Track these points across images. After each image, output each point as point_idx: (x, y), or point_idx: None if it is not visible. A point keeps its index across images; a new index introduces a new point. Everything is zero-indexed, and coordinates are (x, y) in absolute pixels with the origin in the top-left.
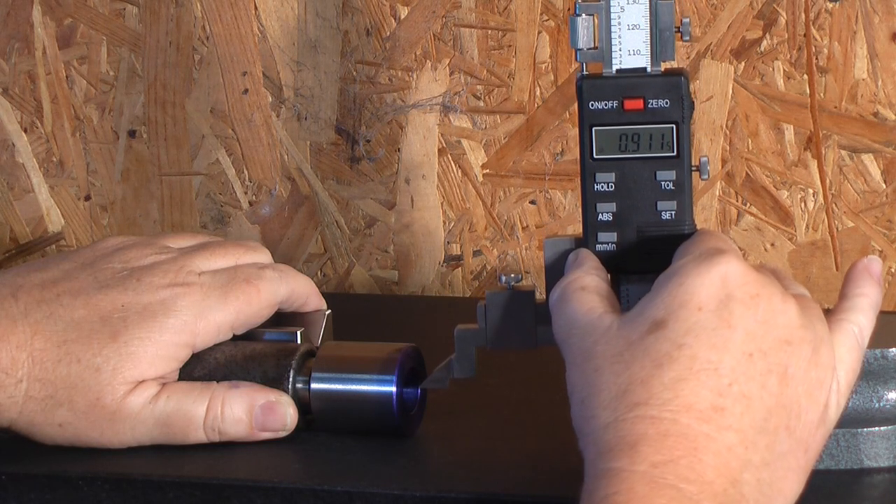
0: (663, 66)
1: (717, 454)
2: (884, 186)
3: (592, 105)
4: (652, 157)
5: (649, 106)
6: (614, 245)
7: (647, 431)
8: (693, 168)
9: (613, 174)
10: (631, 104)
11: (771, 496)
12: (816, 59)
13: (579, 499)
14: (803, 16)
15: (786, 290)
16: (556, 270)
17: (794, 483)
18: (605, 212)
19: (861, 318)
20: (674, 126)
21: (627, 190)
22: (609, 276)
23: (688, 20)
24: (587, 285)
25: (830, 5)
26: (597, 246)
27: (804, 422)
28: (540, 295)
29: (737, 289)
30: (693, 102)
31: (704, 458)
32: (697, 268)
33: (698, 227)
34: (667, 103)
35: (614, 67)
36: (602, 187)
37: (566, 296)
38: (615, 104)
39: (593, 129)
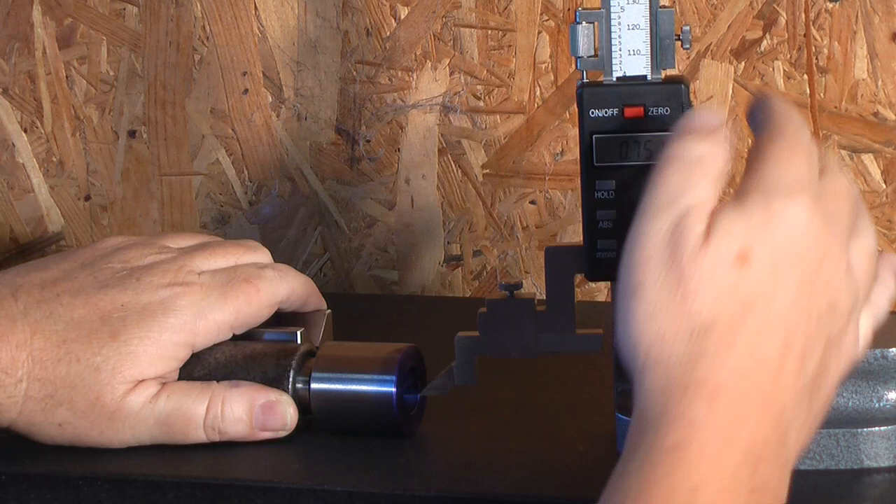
0: (663, 74)
1: (776, 413)
2: (884, 186)
3: (593, 113)
4: (652, 164)
5: (650, 114)
6: (615, 252)
7: (727, 378)
8: None
9: (614, 182)
10: (631, 112)
11: (796, 457)
12: (816, 59)
13: (634, 413)
14: (803, 16)
15: (846, 254)
16: (557, 279)
17: (808, 439)
18: (606, 219)
19: (883, 304)
20: None
21: (628, 197)
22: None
23: (688, 28)
24: (704, 156)
25: (830, 5)
26: (597, 253)
27: (829, 391)
28: (540, 295)
29: (811, 248)
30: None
31: (768, 417)
32: (787, 207)
33: None
34: (667, 111)
35: (614, 75)
36: (602, 195)
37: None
38: (615, 112)
39: (594, 136)
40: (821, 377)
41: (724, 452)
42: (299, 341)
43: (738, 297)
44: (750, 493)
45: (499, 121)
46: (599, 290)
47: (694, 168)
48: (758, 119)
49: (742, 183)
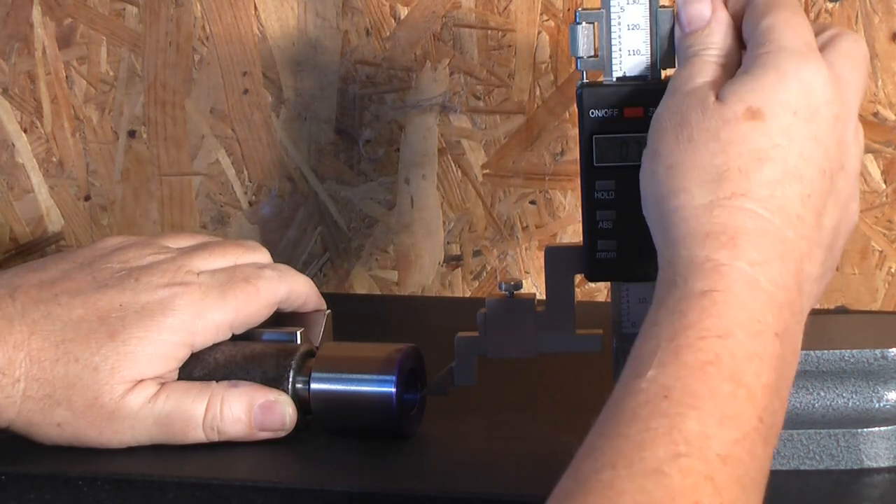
0: (663, 74)
1: (795, 262)
2: (884, 186)
3: (593, 113)
4: None
5: (650, 114)
6: (615, 252)
7: (745, 224)
8: None
9: (614, 182)
10: (631, 112)
11: (808, 312)
12: None
13: (663, 271)
14: None
15: (855, 119)
16: (557, 279)
17: (818, 297)
18: (606, 219)
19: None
20: None
21: (628, 198)
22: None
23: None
24: (710, 52)
25: (830, 5)
26: (597, 253)
27: (838, 254)
28: (540, 295)
29: (824, 106)
30: None
31: (787, 265)
32: (799, 67)
33: None
34: None
35: (614, 75)
36: (602, 195)
37: (689, 56)
38: (615, 112)
39: (594, 136)
40: (834, 237)
41: (749, 297)
42: (299, 341)
43: (749, 147)
44: (774, 338)
45: (499, 121)
46: (599, 290)
47: (699, 59)
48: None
49: (747, 54)
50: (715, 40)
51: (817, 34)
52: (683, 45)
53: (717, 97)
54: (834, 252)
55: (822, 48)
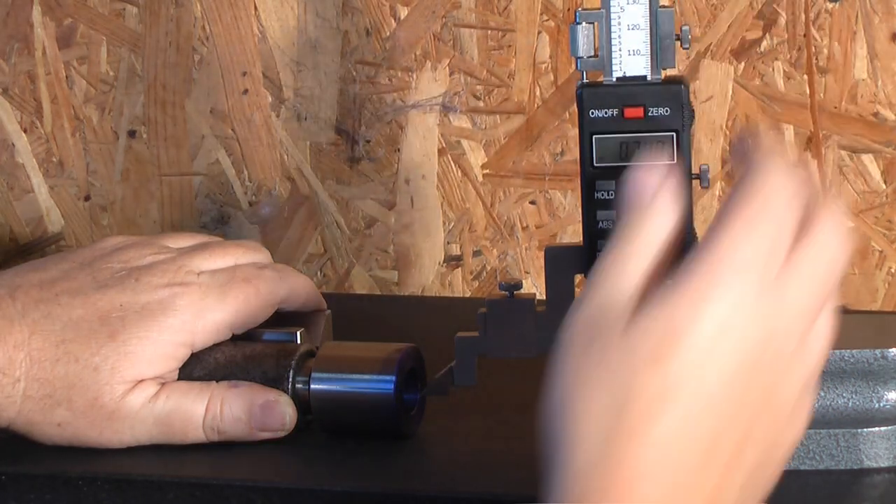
0: (663, 74)
1: (703, 496)
2: (884, 187)
3: (593, 113)
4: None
5: (649, 114)
6: None
7: (646, 469)
8: (693, 176)
9: (614, 182)
10: (631, 112)
11: None
12: (816, 59)
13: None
14: (803, 16)
15: (801, 336)
16: (557, 279)
17: None
18: (606, 219)
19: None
20: (674, 134)
21: None
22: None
23: (687, 28)
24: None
25: (830, 5)
26: (597, 254)
27: (770, 478)
28: (540, 295)
29: (748, 335)
30: (693, 111)
31: (694, 499)
32: (725, 292)
33: (697, 230)
34: (667, 111)
35: (614, 75)
36: (602, 195)
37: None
38: (615, 112)
39: (594, 136)
40: (760, 468)
41: None
42: (299, 341)
43: (656, 385)
44: None
45: (499, 121)
46: None
47: (631, 248)
48: (739, 166)
49: (694, 252)
50: (656, 225)
51: (805, 224)
52: (625, 212)
53: (633, 316)
54: (760, 483)
55: (790, 257)
